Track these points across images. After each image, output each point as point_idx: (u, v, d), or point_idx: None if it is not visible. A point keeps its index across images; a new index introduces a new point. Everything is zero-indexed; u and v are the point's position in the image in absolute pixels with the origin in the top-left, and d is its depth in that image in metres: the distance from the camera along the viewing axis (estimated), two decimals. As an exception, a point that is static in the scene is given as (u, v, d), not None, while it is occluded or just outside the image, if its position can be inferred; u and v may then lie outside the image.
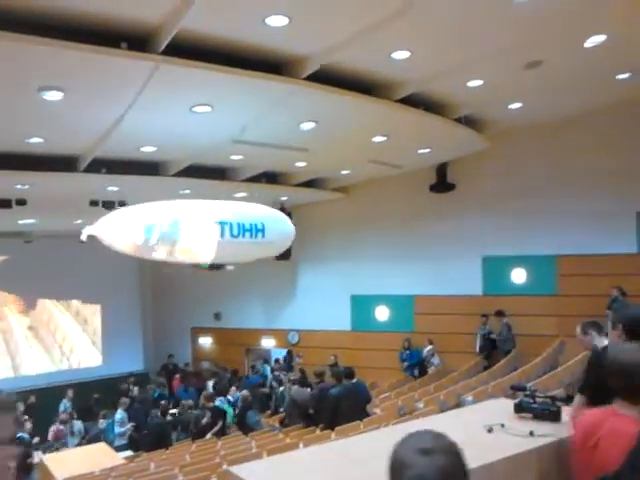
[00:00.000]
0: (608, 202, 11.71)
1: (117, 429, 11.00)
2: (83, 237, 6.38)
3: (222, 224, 6.49)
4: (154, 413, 10.61)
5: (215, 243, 6.48)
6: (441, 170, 13.38)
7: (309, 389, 9.40)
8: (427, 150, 11.36)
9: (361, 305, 14.76)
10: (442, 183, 13.38)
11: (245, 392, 10.86)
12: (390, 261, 13.89)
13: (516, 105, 10.04)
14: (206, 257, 6.88)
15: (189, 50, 6.22)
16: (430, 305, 13.64)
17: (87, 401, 14.33)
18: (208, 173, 11.03)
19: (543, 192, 12.37)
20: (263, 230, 6.82)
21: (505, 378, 9.26)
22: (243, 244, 6.67)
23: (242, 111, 7.99)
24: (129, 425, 11.11)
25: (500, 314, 12.35)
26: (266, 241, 6.88)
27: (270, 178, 12.17)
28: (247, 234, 6.69)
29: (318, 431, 7.83)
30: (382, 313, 14.53)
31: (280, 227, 7.47)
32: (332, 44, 6.66)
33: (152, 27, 5.77)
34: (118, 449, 10.58)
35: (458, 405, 8.39)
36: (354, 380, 8.01)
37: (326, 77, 7.50)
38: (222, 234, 6.48)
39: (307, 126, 8.80)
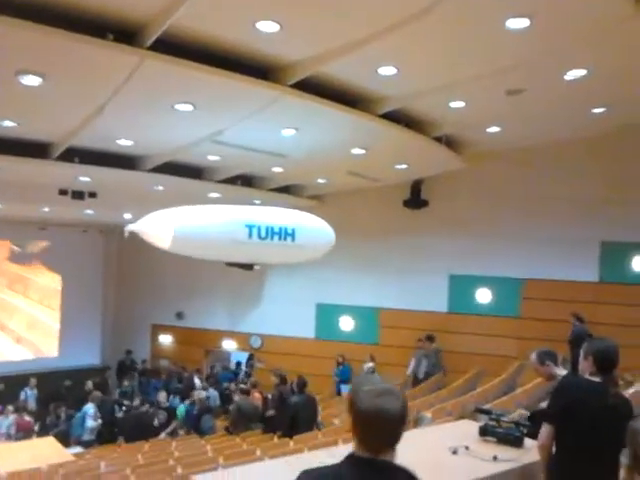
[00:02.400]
0: (575, 230, 12.02)
1: (89, 423, 10.72)
2: (126, 233, 6.84)
3: (250, 227, 6.84)
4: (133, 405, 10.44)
5: (242, 244, 6.87)
6: (416, 186, 13.51)
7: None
8: (404, 166, 11.46)
9: (326, 314, 14.76)
10: (416, 199, 13.51)
11: (202, 396, 10.72)
12: (359, 272, 13.94)
13: (494, 129, 10.21)
14: (233, 257, 7.44)
15: (176, 47, 6.15)
16: (395, 319, 13.72)
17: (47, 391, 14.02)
18: (184, 171, 10.91)
19: (513, 216, 12.61)
20: (293, 234, 7.13)
21: (464, 397, 9.35)
22: (271, 246, 6.99)
23: (224, 113, 7.93)
24: (100, 420, 10.87)
25: (430, 339, 12.51)
26: (296, 245, 7.19)
27: (245, 181, 12.10)
28: (276, 237, 7.01)
29: (276, 438, 7.78)
30: (347, 323, 14.56)
31: (314, 233, 7.74)
32: (320, 54, 6.67)
33: (141, 20, 5.69)
34: (86, 445, 10.42)
35: (416, 421, 8.44)
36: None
37: (311, 86, 7.51)
38: (250, 236, 6.81)
39: (288, 133, 8.78)
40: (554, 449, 3.09)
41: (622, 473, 3.83)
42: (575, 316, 11.07)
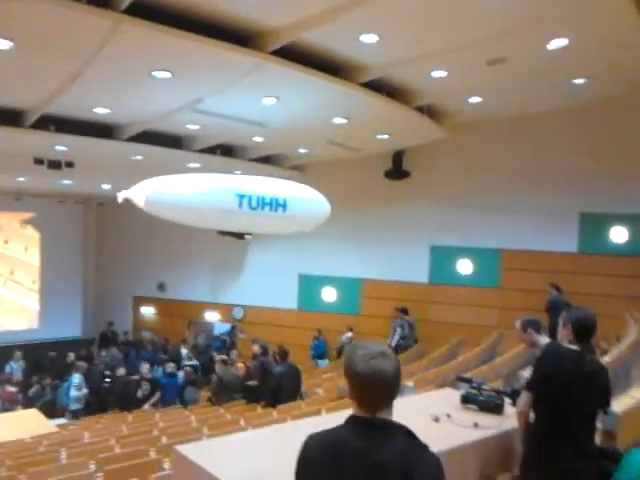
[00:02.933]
0: (555, 201, 12.09)
1: (73, 393, 10.70)
2: (119, 199, 7.02)
3: (241, 196, 6.92)
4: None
5: (232, 214, 6.98)
6: (397, 157, 13.46)
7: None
8: (386, 136, 11.39)
9: (309, 285, 14.80)
10: (397, 170, 13.46)
11: (188, 368, 10.74)
12: (340, 243, 13.95)
13: (476, 99, 10.16)
14: (223, 226, 7.61)
15: (153, 11, 5.97)
16: (377, 289, 13.80)
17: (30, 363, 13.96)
18: (163, 140, 10.72)
19: (494, 187, 12.64)
20: (285, 205, 7.19)
21: (445, 366, 9.49)
22: (262, 217, 7.10)
23: (203, 80, 7.77)
24: (85, 390, 10.86)
25: (404, 311, 12.62)
26: (287, 215, 7.27)
27: (225, 151, 11.94)
28: (267, 207, 7.09)
29: (259, 408, 7.84)
30: (329, 294, 14.62)
31: (307, 204, 7.76)
32: (301, 20, 6.54)
33: (116, -17, 5.50)
34: (74, 414, 10.49)
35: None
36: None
37: (292, 54, 7.37)
38: (240, 205, 6.89)
39: (268, 101, 8.65)
40: (533, 415, 3.17)
41: (597, 438, 3.95)
42: (553, 286, 11.23)
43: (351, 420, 1.85)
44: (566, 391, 3.01)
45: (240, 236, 8.32)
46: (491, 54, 7.88)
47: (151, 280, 17.00)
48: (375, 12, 6.36)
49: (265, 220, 7.33)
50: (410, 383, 8.32)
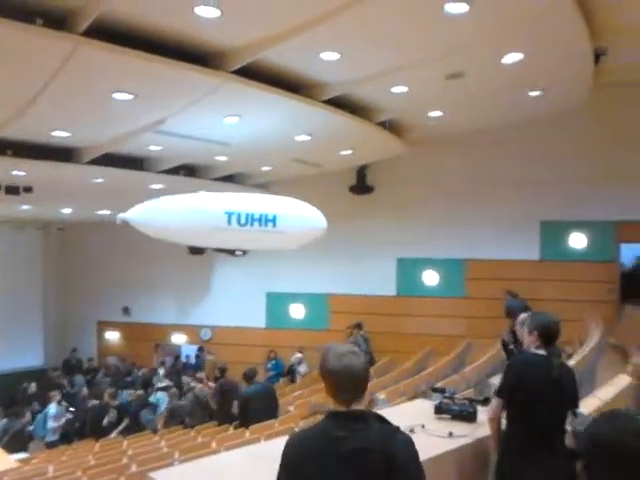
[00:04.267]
0: (515, 210, 12.39)
1: (50, 424, 10.41)
2: (118, 222, 7.26)
3: (230, 213, 7.11)
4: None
5: (221, 231, 7.19)
6: (361, 172, 13.60)
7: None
8: (349, 152, 11.50)
9: (276, 303, 14.73)
10: (361, 185, 13.60)
11: (140, 391, 10.52)
12: (307, 259, 13.94)
13: (436, 113, 10.35)
14: (214, 243, 7.85)
15: (113, 34, 5.94)
16: (345, 304, 13.83)
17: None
18: (124, 163, 10.58)
19: (456, 198, 12.88)
20: (274, 220, 7.32)
21: (416, 377, 9.54)
22: (252, 233, 7.26)
23: (165, 101, 7.74)
24: (64, 419, 10.56)
25: (359, 327, 12.73)
26: (278, 231, 7.39)
27: (189, 171, 11.86)
28: (256, 223, 7.24)
29: (231, 429, 7.73)
30: (297, 311, 14.57)
31: (298, 219, 7.87)
32: (261, 40, 6.59)
33: (73, 5, 5.46)
34: (50, 445, 10.18)
35: (371, 403, 8.53)
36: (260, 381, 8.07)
37: (254, 73, 7.42)
38: (229, 222, 7.07)
39: (231, 120, 8.65)
40: (505, 422, 3.22)
41: (568, 441, 4.02)
42: (508, 292, 11.61)
43: (330, 415, 2.04)
44: (535, 396, 3.07)
45: (231, 252, 8.42)
46: (449, 69, 8.07)
47: (115, 304, 16.66)
48: (334, 31, 6.46)
49: (255, 236, 7.45)
50: (382, 395, 8.35)
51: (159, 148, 10.00)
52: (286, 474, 2.03)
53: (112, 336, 17.14)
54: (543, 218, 12.51)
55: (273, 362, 13.79)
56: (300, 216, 7.94)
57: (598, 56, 8.69)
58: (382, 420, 2.04)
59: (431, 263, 13.32)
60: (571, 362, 6.83)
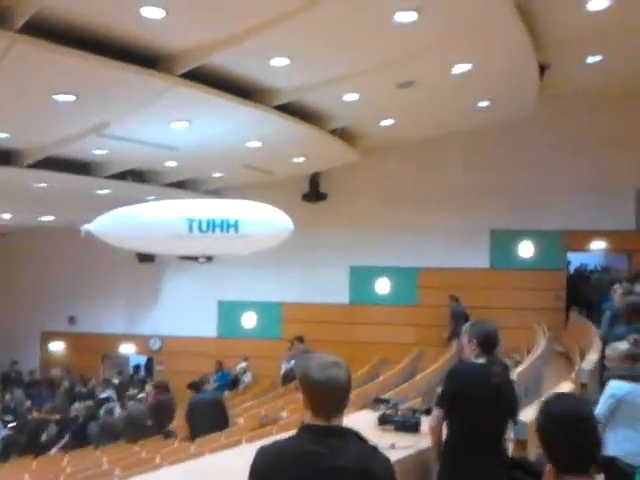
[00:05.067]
0: (466, 219, 12.56)
1: None
2: (82, 234, 7.28)
3: (191, 220, 7.09)
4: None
5: (183, 238, 7.19)
6: (314, 180, 13.56)
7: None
8: (301, 159, 11.44)
9: (228, 311, 14.49)
10: (314, 193, 13.56)
11: (89, 402, 10.12)
12: (259, 267, 13.78)
13: (388, 122, 10.41)
14: (177, 251, 8.00)
15: (53, 32, 5.71)
16: (298, 312, 13.71)
17: None
18: (68, 167, 10.20)
19: (408, 207, 12.97)
20: (236, 225, 7.27)
21: (367, 386, 9.49)
22: (214, 239, 7.24)
23: (110, 104, 7.52)
24: (2, 434, 10.06)
25: (300, 340, 12.71)
26: (240, 235, 7.35)
27: (137, 176, 11.55)
28: (217, 229, 7.20)
29: (176, 443, 7.49)
30: (250, 320, 14.37)
31: (262, 223, 7.83)
32: (209, 43, 6.48)
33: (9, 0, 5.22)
34: None
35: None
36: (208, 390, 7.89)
37: (203, 77, 7.28)
38: (190, 229, 7.06)
39: (179, 125, 8.48)
40: (446, 432, 3.19)
41: (511, 447, 4.02)
42: (452, 297, 11.98)
43: (306, 428, 1.91)
44: (475, 405, 3.06)
45: (195, 259, 8.35)
46: (400, 78, 8.12)
47: (60, 313, 16.04)
48: (284, 36, 6.40)
49: (218, 242, 7.43)
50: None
51: (104, 152, 9.69)
52: None
53: (57, 347, 16.47)
54: (493, 227, 12.73)
55: (220, 374, 13.37)
56: (263, 219, 7.91)
57: (543, 69, 8.93)
58: (361, 438, 1.94)
59: (383, 271, 13.36)
60: (518, 370, 6.90)
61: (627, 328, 4.82)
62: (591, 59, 9.06)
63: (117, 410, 9.85)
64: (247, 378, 12.98)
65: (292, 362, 12.47)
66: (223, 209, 7.58)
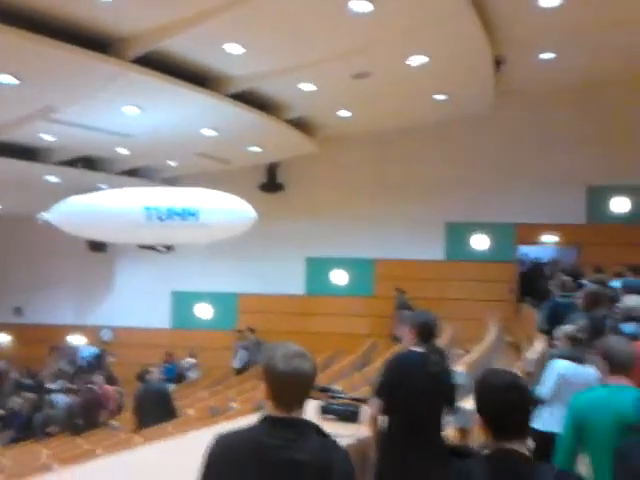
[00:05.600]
0: (422, 211, 12.67)
1: None
2: (39, 221, 7.35)
3: (148, 209, 6.97)
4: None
5: (142, 227, 7.07)
6: (271, 170, 13.45)
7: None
8: (258, 149, 11.33)
9: (182, 302, 14.27)
10: (272, 183, 13.45)
11: (31, 395, 9.84)
12: (214, 258, 13.61)
13: (345, 113, 10.40)
14: (137, 240, 7.88)
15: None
16: (254, 303, 13.61)
17: None
18: (15, 152, 9.84)
19: (365, 198, 13.00)
20: (196, 214, 7.14)
21: (320, 375, 9.50)
22: (174, 227, 7.12)
23: (57, 88, 7.29)
24: None
25: (251, 330, 12.72)
26: (201, 224, 7.22)
27: (88, 163, 11.23)
28: (177, 218, 7.08)
29: (122, 435, 7.35)
30: (204, 311, 14.20)
31: (223, 211, 7.69)
32: (162, 27, 6.34)
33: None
34: None
35: (258, 409, 8.41)
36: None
37: (156, 62, 7.12)
38: (148, 218, 6.95)
39: (131, 111, 8.27)
40: (386, 420, 3.20)
41: (452, 433, 4.07)
42: (397, 290, 12.18)
43: (265, 419, 1.86)
44: (413, 394, 3.08)
45: (153, 248, 8.24)
46: (356, 68, 8.10)
47: (5, 304, 15.49)
48: (236, 22, 6.31)
49: (177, 231, 7.32)
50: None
51: (53, 138, 9.39)
52: (207, 475, 1.85)
53: (1, 339, 15.93)
54: (448, 219, 12.87)
55: (166, 366, 12.90)
56: (225, 208, 7.81)
57: (498, 64, 9.04)
58: (321, 432, 1.89)
59: (340, 262, 13.38)
60: (467, 360, 7.01)
61: (585, 316, 4.92)
62: (544, 55, 9.23)
63: (63, 401, 9.62)
64: (193, 374, 12.76)
65: (243, 352, 12.43)
66: (183, 197, 7.52)
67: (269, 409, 1.88)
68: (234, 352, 12.65)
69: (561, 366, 4.16)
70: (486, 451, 1.99)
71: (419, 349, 3.22)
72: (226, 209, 7.90)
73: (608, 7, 7.24)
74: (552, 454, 3.62)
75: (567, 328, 4.51)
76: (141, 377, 7.45)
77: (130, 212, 7.08)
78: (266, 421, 1.86)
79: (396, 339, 6.60)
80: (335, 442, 1.91)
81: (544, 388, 4.17)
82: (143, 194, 7.58)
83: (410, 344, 3.27)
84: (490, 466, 1.91)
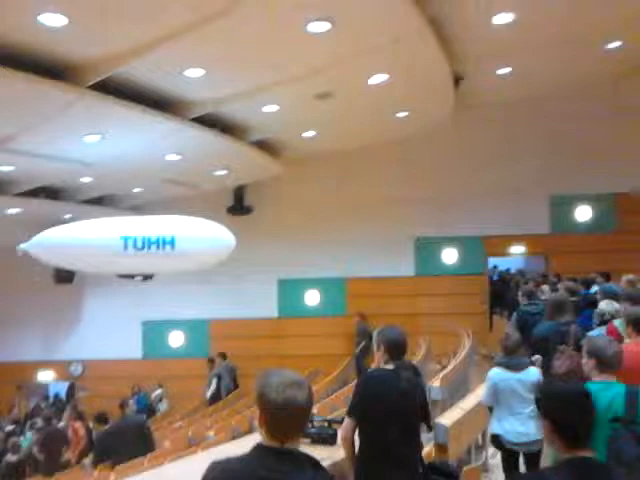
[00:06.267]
0: (389, 228, 12.72)
1: None
2: (19, 253, 7.32)
3: (125, 238, 6.91)
4: None
5: (119, 257, 7.03)
6: (238, 193, 13.39)
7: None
8: (224, 172, 11.26)
9: (153, 331, 13.98)
10: (239, 206, 13.38)
11: None
12: (184, 285, 13.37)
13: (310, 133, 10.43)
14: (115, 269, 7.73)
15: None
16: (226, 329, 13.39)
17: None
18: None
19: (334, 217, 13.00)
20: (172, 242, 7.07)
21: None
22: (150, 256, 7.06)
23: (12, 116, 7.12)
24: None
25: (222, 356, 12.59)
26: (177, 253, 7.15)
27: (51, 193, 11.00)
28: (153, 247, 7.02)
29: (96, 473, 7.09)
30: (176, 339, 13.94)
31: (200, 240, 7.57)
32: (118, 53, 6.26)
33: None
34: None
35: (251, 430, 8.26)
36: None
37: (115, 88, 7.04)
38: (125, 247, 6.89)
39: (91, 139, 8.14)
40: (362, 440, 3.13)
41: (431, 451, 4.02)
42: (358, 314, 12.35)
43: (258, 449, 1.80)
44: (386, 412, 3.02)
45: (131, 277, 8.14)
46: (317, 89, 8.13)
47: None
48: (195, 46, 6.29)
49: (155, 260, 7.25)
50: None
51: (11, 168, 9.16)
52: None
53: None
54: (417, 234, 12.96)
55: (136, 397, 12.61)
56: (201, 236, 7.71)
57: (457, 80, 9.20)
58: (317, 465, 1.82)
59: (312, 283, 13.33)
60: (442, 374, 6.99)
61: (550, 324, 5.04)
62: (501, 71, 9.45)
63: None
64: (162, 406, 12.46)
65: (215, 380, 12.23)
66: (159, 226, 7.42)
67: (263, 437, 1.82)
68: (208, 382, 12.41)
69: (494, 374, 4.45)
70: (562, 459, 2.04)
71: (389, 366, 3.18)
72: (203, 237, 7.78)
73: (557, 23, 7.46)
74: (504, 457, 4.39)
75: (501, 338, 4.76)
76: (101, 420, 7.18)
77: (107, 242, 7.04)
78: (259, 450, 1.80)
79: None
80: (330, 477, 1.87)
81: (484, 395, 4.54)
82: (120, 224, 7.56)
83: (380, 362, 3.23)
84: (572, 475, 1.94)
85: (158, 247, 7.07)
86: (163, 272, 8.36)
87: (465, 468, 3.72)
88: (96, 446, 7.11)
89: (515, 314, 6.56)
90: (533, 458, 4.29)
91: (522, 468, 4.46)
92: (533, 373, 4.39)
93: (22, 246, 7.35)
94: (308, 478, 1.75)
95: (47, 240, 7.24)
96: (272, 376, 1.84)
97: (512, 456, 4.38)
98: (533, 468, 4.21)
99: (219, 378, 12.25)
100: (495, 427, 4.42)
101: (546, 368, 4.48)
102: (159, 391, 12.68)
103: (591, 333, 4.29)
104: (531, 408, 4.08)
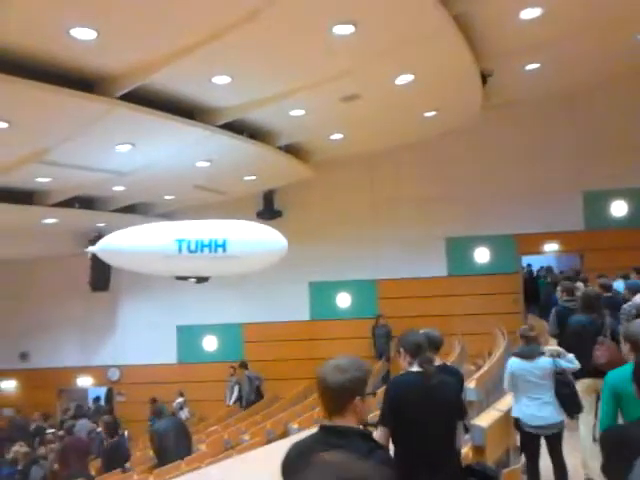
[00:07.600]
0: (421, 229, 12.64)
1: None
2: (88, 254, 8.26)
3: (180, 241, 7.18)
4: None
5: (173, 259, 7.32)
6: (268, 197, 13.45)
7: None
8: (253, 177, 11.34)
9: (188, 336, 14.16)
10: (269, 210, 13.43)
11: (25, 448, 9.50)
12: (218, 289, 13.47)
13: (337, 136, 10.43)
14: (168, 272, 8.04)
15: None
16: (259, 332, 13.50)
17: None
18: (11, 196, 9.85)
19: (364, 219, 12.99)
20: (224, 245, 7.23)
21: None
22: (202, 259, 7.27)
23: (48, 130, 7.30)
24: None
25: (244, 366, 12.54)
26: (228, 255, 7.30)
27: (85, 203, 11.24)
28: (206, 249, 7.21)
29: (135, 476, 7.22)
30: (210, 343, 14.08)
31: (251, 243, 7.67)
32: (146, 63, 6.36)
33: None
34: None
35: (285, 434, 8.30)
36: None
37: (144, 98, 7.16)
38: (180, 250, 7.15)
39: (123, 148, 8.29)
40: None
41: (469, 453, 3.97)
42: (379, 317, 12.66)
43: (320, 427, 2.08)
44: (413, 414, 3.00)
45: (185, 279, 8.48)
46: (344, 91, 8.13)
47: (11, 350, 15.34)
48: (222, 53, 6.34)
49: (207, 262, 7.39)
50: (295, 425, 8.15)
51: (48, 179, 9.40)
52: None
53: (8, 385, 15.71)
54: (448, 235, 12.83)
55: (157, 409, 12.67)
56: (253, 240, 7.79)
57: (485, 77, 9.09)
58: (365, 437, 2.02)
59: (343, 285, 13.32)
60: (477, 375, 6.90)
61: (584, 317, 5.32)
62: (530, 66, 9.30)
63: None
64: (184, 414, 12.54)
65: (236, 388, 12.28)
66: (212, 229, 7.60)
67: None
68: (230, 389, 12.47)
69: (511, 363, 4.77)
70: None
71: (414, 368, 3.17)
72: (254, 240, 7.85)
73: (587, 14, 7.31)
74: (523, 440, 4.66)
75: (521, 328, 5.03)
76: (158, 413, 7.35)
77: (162, 245, 7.27)
78: (319, 428, 2.07)
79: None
80: (377, 447, 2.04)
81: (505, 383, 4.84)
82: (175, 227, 7.88)
83: (406, 366, 3.22)
84: None
85: (210, 250, 7.21)
86: (216, 274, 8.57)
87: (504, 470, 3.67)
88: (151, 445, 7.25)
89: (554, 310, 6.56)
90: (553, 440, 4.57)
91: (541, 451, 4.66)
92: (543, 362, 4.66)
93: (90, 249, 7.94)
94: (355, 449, 1.85)
95: (109, 244, 7.63)
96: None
97: (533, 439, 4.59)
98: (554, 450, 4.56)
99: (240, 386, 12.28)
100: (515, 411, 4.71)
101: (581, 359, 4.72)
102: (180, 399, 12.72)
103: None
104: (549, 394, 4.53)
